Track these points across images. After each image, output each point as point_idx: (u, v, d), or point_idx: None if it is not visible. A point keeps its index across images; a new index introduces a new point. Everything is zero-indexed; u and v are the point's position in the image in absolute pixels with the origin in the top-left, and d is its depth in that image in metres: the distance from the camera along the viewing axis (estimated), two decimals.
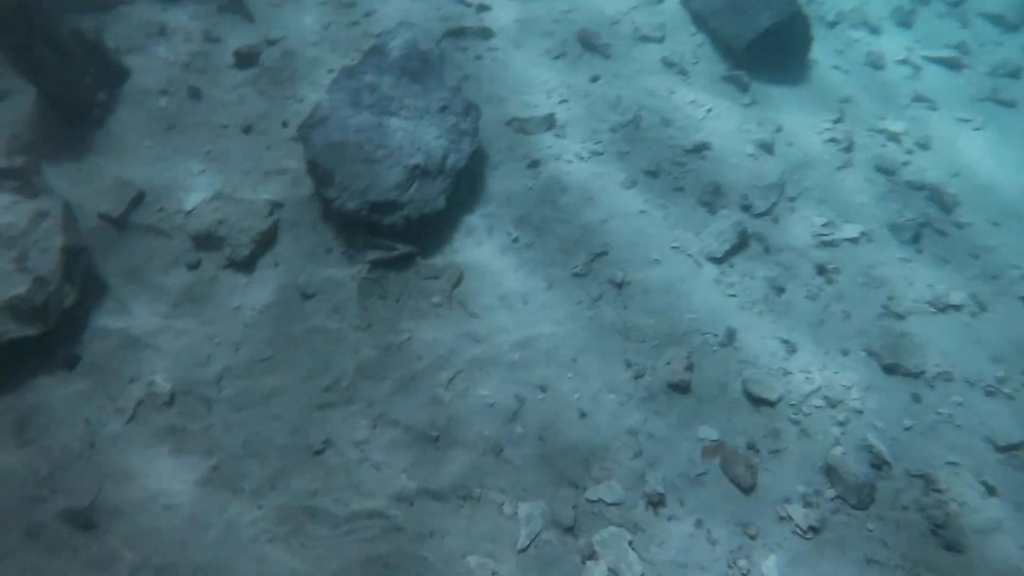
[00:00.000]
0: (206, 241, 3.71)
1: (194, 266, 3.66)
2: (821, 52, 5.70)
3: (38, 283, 3.05)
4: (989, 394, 3.54)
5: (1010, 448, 3.30)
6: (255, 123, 4.29)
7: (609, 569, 2.92)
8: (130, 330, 3.35)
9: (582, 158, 4.63)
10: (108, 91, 4.22)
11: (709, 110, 5.05)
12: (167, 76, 4.43)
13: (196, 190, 3.90)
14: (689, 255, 4.17)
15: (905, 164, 4.83)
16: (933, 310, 3.93)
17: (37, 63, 3.76)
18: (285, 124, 4.34)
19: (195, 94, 4.36)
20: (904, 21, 6.15)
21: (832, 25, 6.00)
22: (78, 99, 3.97)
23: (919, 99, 5.44)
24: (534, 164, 4.53)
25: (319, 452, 3.18)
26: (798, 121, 5.07)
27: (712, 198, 4.43)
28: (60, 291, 3.13)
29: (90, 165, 3.82)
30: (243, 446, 3.13)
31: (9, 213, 3.17)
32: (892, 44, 5.97)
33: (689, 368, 3.65)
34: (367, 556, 2.88)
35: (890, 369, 3.59)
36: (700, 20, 5.54)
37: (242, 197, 3.87)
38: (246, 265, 3.71)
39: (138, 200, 3.78)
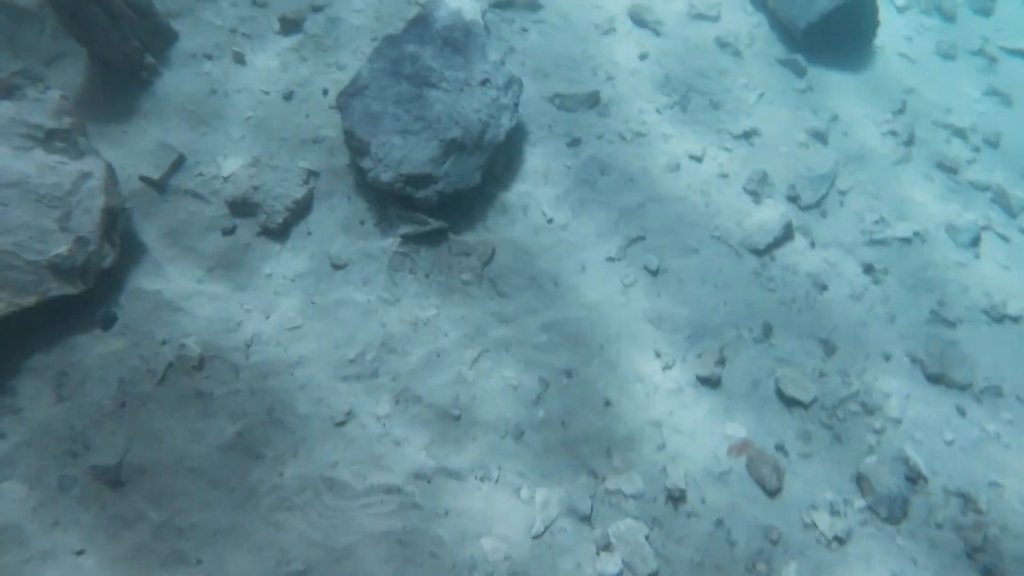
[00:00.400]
0: (242, 207, 3.73)
1: (229, 232, 3.70)
2: (888, 38, 5.40)
3: (79, 243, 3.11)
4: None
5: None
6: (296, 90, 4.28)
7: (624, 562, 2.88)
8: (164, 293, 3.40)
9: (625, 139, 4.50)
10: (156, 54, 4.26)
11: (762, 94, 4.84)
12: (214, 40, 4.44)
13: (234, 155, 3.92)
14: (729, 245, 4.04)
15: (970, 162, 4.56)
16: (988, 319, 3.73)
17: (88, 24, 3.80)
18: (325, 92, 4.32)
19: (240, 59, 4.37)
20: (983, 8, 5.77)
21: (902, 10, 5.66)
22: (127, 61, 4.01)
23: (992, 93, 5.11)
24: (575, 142, 4.42)
25: (341, 424, 3.20)
26: (856, 110, 4.82)
27: (759, 187, 4.26)
28: (100, 251, 3.20)
29: (134, 128, 3.87)
30: (267, 413, 3.17)
31: (55, 173, 3.23)
32: (967, 32, 5.61)
33: (721, 362, 3.55)
34: (382, 531, 2.90)
35: (935, 379, 3.42)
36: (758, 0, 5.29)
37: (279, 164, 3.88)
38: (280, 233, 3.72)
39: (178, 164, 3.83)
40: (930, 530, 2.97)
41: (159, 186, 3.73)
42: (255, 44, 4.49)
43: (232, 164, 3.88)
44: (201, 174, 3.83)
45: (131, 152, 3.79)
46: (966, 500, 3.02)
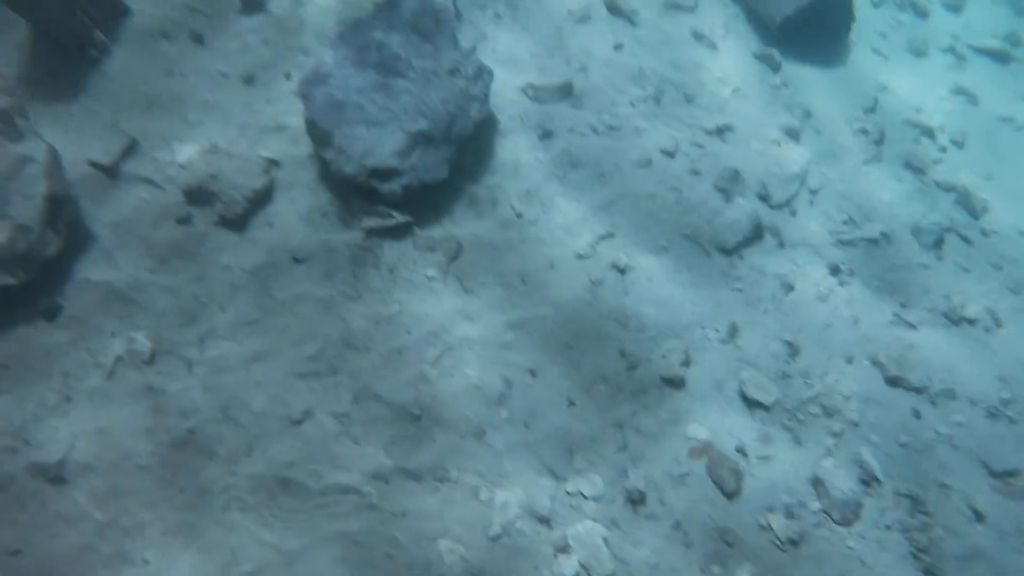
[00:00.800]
0: (198, 196, 3.64)
1: (184, 221, 3.60)
2: (862, 33, 5.43)
3: (19, 231, 3.01)
4: (992, 416, 3.44)
5: (1005, 475, 3.22)
6: (257, 74, 4.17)
7: (580, 564, 2.90)
8: (114, 283, 3.31)
9: (597, 132, 4.47)
10: (106, 30, 4.10)
11: (736, 89, 4.83)
12: (170, 18, 4.29)
13: (191, 141, 3.81)
14: (698, 244, 4.05)
15: (937, 162, 4.62)
16: (946, 322, 3.80)
17: None
18: (288, 76, 4.21)
19: (198, 39, 4.23)
20: (954, 5, 5.82)
21: (877, 5, 5.69)
22: (73, 37, 3.86)
23: (960, 91, 5.18)
24: (547, 135, 4.38)
25: (298, 422, 3.16)
26: (829, 107, 4.85)
27: (729, 184, 4.27)
28: (42, 240, 3.09)
29: (82, 109, 3.74)
30: (221, 410, 3.12)
31: None
32: (938, 29, 5.67)
33: (686, 363, 3.57)
34: (337, 532, 2.88)
35: (893, 382, 3.49)
36: None
37: (238, 152, 3.78)
38: (238, 223, 3.64)
39: (131, 149, 3.71)
40: (880, 532, 3.04)
41: (110, 172, 3.62)
42: (215, 23, 4.35)
43: (188, 150, 3.77)
44: (155, 160, 3.72)
45: (79, 136, 3.66)
46: (915, 502, 3.10)
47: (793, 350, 3.62)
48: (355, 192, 3.76)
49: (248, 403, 3.17)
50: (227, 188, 3.65)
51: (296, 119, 4.02)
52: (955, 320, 3.81)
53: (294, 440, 3.11)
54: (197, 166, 3.69)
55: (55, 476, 2.78)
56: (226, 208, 3.62)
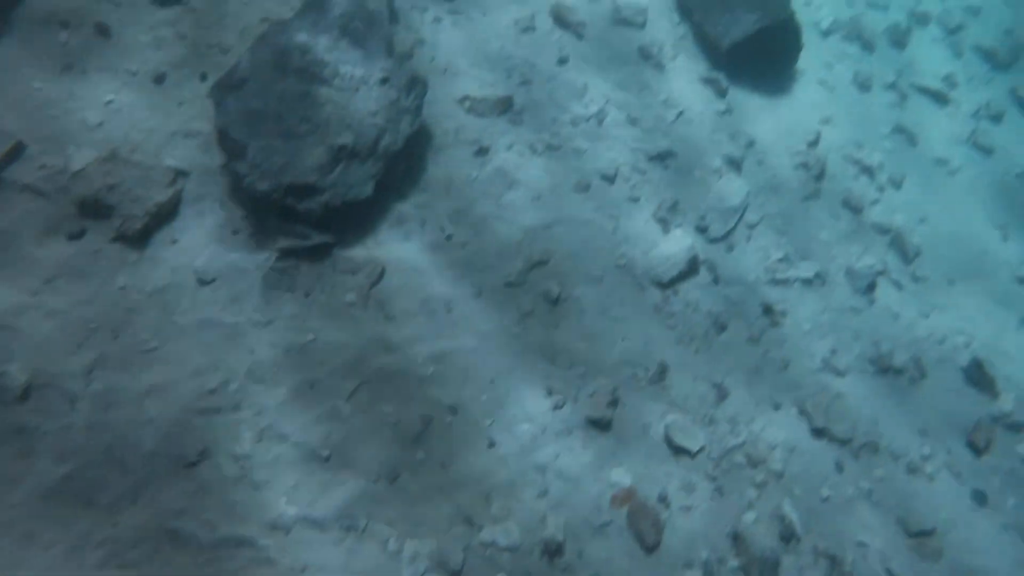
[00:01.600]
0: (93, 208, 3.39)
1: (76, 236, 3.35)
2: (810, 62, 5.50)
3: None
4: (911, 471, 3.52)
5: (921, 534, 3.30)
6: (169, 73, 3.92)
7: None
8: None
9: (536, 151, 4.39)
10: None
11: (680, 113, 4.83)
12: (72, 5, 3.99)
13: (88, 146, 3.54)
14: (634, 276, 4.02)
15: (874, 203, 4.72)
16: (873, 369, 3.88)
17: None
18: (204, 77, 3.97)
19: (103, 31, 3.95)
20: (898, 41, 5.97)
21: (826, 34, 5.78)
22: None
23: (899, 130, 5.31)
24: (482, 151, 4.28)
25: (192, 464, 2.98)
26: (773, 138, 4.89)
27: (668, 215, 4.25)
28: None
29: None
30: (105, 451, 2.91)
31: None
32: (883, 65, 5.80)
33: (613, 403, 3.53)
34: None
35: (819, 432, 3.54)
36: (685, 10, 5.26)
37: (141, 160, 3.54)
38: (138, 240, 3.41)
39: (16, 152, 3.42)
40: None
41: None
42: (124, 14, 4.07)
43: (84, 156, 3.51)
44: (44, 166, 3.44)
45: None
46: (833, 561, 3.15)
47: (721, 393, 3.62)
48: (270, 209, 3.57)
49: (138, 443, 2.97)
50: (126, 201, 3.41)
51: (209, 124, 3.80)
52: (883, 368, 3.89)
53: (187, 484, 2.93)
54: (93, 175, 3.44)
55: None
56: (125, 223, 3.38)
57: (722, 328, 3.85)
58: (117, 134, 3.65)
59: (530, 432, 3.41)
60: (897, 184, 4.91)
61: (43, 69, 3.71)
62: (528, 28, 4.95)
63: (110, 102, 3.74)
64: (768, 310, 3.95)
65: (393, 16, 4.57)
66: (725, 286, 4.03)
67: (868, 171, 4.87)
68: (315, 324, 3.46)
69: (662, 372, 3.67)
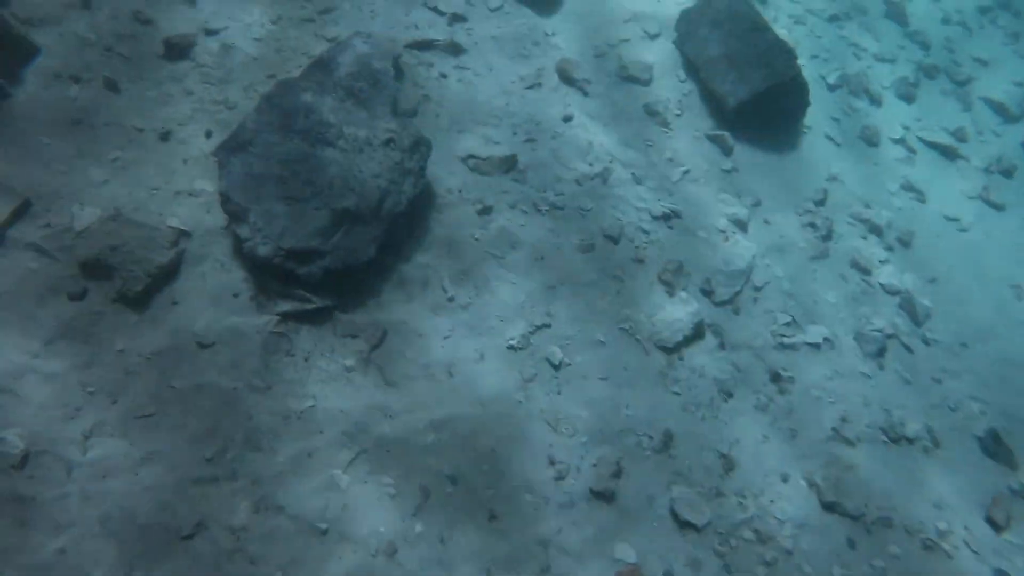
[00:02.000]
0: (95, 269, 3.46)
1: (78, 297, 3.42)
2: (817, 117, 5.62)
3: None
4: (927, 548, 3.52)
5: None
6: (175, 130, 4.03)
7: None
8: None
9: (540, 210, 4.47)
10: (8, 71, 3.91)
11: (686, 172, 4.92)
12: (83, 60, 4.12)
13: (92, 204, 3.63)
14: (638, 340, 4.07)
15: (883, 263, 4.78)
16: (885, 439, 3.90)
17: None
18: (209, 135, 4.08)
19: (112, 86, 4.07)
20: (906, 94, 6.10)
21: (833, 88, 5.91)
22: None
23: (908, 187, 5.40)
24: (486, 211, 4.36)
25: (188, 537, 3.00)
26: (779, 197, 4.98)
27: (673, 277, 4.32)
28: None
29: None
30: (101, 523, 2.93)
31: None
32: (890, 119, 5.92)
33: (617, 474, 3.55)
34: None
35: (830, 507, 3.54)
36: (692, 67, 5.39)
37: (144, 221, 3.62)
38: (139, 301, 3.48)
39: (22, 210, 3.51)
40: None
41: None
42: (133, 69, 4.20)
43: (89, 215, 3.60)
44: (49, 225, 3.53)
45: None
46: None
47: (728, 464, 3.64)
48: (271, 273, 3.64)
49: (133, 513, 2.99)
50: (128, 262, 3.48)
51: (213, 183, 3.89)
52: (895, 438, 3.91)
53: (181, 559, 2.94)
54: (96, 235, 3.52)
55: None
56: (126, 284, 3.45)
57: (729, 395, 3.88)
58: (121, 192, 3.74)
59: (532, 504, 3.42)
60: (906, 243, 4.98)
61: (52, 124, 3.82)
62: (534, 84, 5.08)
63: (116, 159, 3.84)
64: (776, 377, 3.99)
65: (399, 72, 4.70)
66: (732, 351, 4.08)
67: (876, 230, 4.95)
68: (314, 390, 3.50)
69: (667, 441, 3.69)
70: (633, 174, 4.77)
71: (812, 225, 4.79)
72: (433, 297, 3.95)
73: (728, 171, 4.97)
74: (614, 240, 4.42)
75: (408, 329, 3.79)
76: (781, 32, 5.85)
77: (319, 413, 3.44)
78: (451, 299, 3.97)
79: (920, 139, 5.77)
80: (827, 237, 4.80)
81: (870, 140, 5.60)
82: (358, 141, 3.93)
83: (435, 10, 5.21)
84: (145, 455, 3.15)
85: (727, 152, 5.05)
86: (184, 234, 3.70)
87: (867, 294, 4.57)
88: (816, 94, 5.72)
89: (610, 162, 4.77)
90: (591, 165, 4.75)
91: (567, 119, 4.94)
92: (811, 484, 3.63)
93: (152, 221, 3.67)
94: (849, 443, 3.84)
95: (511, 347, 3.87)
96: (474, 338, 3.85)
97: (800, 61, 5.26)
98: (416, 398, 3.59)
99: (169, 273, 3.58)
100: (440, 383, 3.67)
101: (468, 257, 4.15)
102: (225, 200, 3.59)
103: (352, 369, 3.60)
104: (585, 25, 5.53)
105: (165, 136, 4.01)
